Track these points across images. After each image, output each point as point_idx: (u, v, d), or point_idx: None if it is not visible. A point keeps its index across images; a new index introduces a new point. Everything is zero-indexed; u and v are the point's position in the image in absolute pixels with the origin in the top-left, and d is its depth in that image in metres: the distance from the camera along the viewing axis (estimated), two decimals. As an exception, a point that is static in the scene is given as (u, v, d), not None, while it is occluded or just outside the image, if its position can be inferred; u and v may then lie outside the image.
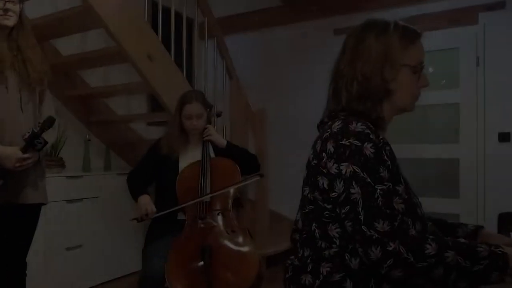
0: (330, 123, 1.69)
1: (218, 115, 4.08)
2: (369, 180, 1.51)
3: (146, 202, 3.40)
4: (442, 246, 1.47)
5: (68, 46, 4.77)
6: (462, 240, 1.58)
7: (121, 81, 4.99)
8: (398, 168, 1.66)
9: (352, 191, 1.51)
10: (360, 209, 1.49)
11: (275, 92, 6.47)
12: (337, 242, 1.61)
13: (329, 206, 1.61)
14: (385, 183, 1.52)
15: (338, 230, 1.61)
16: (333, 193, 1.57)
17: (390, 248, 1.44)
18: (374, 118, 1.69)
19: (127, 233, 4.83)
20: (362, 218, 1.48)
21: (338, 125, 1.62)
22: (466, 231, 1.98)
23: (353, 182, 1.51)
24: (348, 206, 1.51)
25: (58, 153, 4.48)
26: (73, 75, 4.90)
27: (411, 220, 1.56)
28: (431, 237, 1.51)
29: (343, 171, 1.53)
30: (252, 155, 3.96)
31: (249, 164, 3.75)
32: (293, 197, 5.95)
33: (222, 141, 3.73)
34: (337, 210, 1.57)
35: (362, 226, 1.48)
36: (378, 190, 1.49)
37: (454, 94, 5.38)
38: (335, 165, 1.56)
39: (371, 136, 1.55)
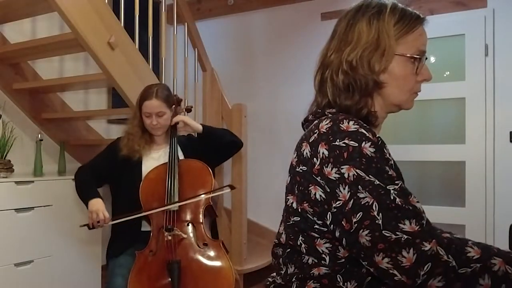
0: (316, 122, 1.66)
1: (188, 110, 4.13)
2: (377, 182, 1.45)
3: (99, 207, 3.42)
4: (485, 251, 1.42)
5: (16, 32, 4.81)
6: (507, 250, 1.49)
7: (78, 73, 5.04)
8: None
9: (361, 195, 1.44)
10: (376, 213, 1.42)
11: (253, 85, 6.58)
12: (327, 259, 1.59)
13: (319, 222, 1.59)
14: (396, 182, 1.48)
15: (327, 245, 1.60)
16: (337, 202, 1.50)
17: (427, 248, 1.36)
18: (365, 114, 1.68)
19: (85, 247, 4.84)
20: (381, 223, 1.41)
21: (327, 124, 1.58)
22: None
23: (359, 187, 1.46)
24: (361, 213, 1.44)
25: (6, 155, 4.49)
26: (22, 66, 4.90)
27: None
28: (470, 240, 1.46)
29: (346, 175, 1.48)
30: (233, 134, 4.03)
31: (232, 144, 3.86)
32: (275, 206, 6.07)
33: (197, 126, 3.78)
34: (342, 222, 1.49)
35: (383, 232, 1.40)
36: (392, 191, 1.44)
37: (459, 88, 5.36)
38: (334, 169, 1.50)
39: (367, 135, 1.51)
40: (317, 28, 5.99)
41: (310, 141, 1.61)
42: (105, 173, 3.71)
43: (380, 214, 1.41)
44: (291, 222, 1.69)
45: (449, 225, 5.13)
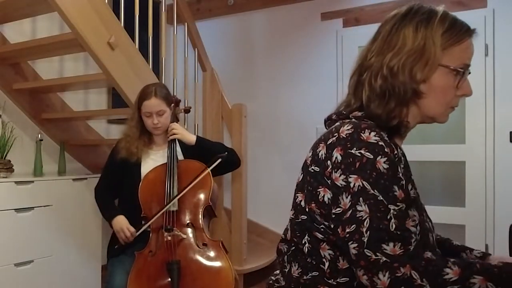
0: (337, 124, 1.64)
1: (187, 111, 4.12)
2: (381, 198, 1.45)
3: (122, 225, 3.48)
4: (466, 270, 1.41)
5: (16, 32, 4.82)
6: (493, 262, 1.48)
7: (78, 73, 5.04)
8: (413, 185, 1.66)
9: (359, 208, 1.45)
10: (364, 229, 1.43)
11: (253, 85, 6.59)
12: (326, 265, 1.60)
13: (326, 223, 1.59)
14: (398, 203, 1.46)
15: (330, 252, 1.60)
16: (337, 209, 1.52)
17: (400, 274, 1.38)
18: (396, 123, 1.65)
19: (85, 247, 4.85)
20: (365, 241, 1.42)
21: (348, 130, 1.56)
22: (471, 258, 1.95)
23: (361, 199, 1.46)
24: (355, 225, 1.46)
25: (6, 155, 4.50)
26: (22, 66, 4.90)
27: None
28: (452, 260, 1.45)
29: (351, 184, 1.48)
30: (229, 149, 3.98)
31: (228, 164, 3.76)
32: (275, 206, 6.06)
33: (190, 138, 3.77)
34: (338, 229, 1.52)
35: (365, 250, 1.42)
36: (392, 211, 1.44)
37: (459, 88, 5.32)
38: (342, 176, 1.51)
39: (385, 150, 1.50)
40: (317, 28, 5.99)
41: (328, 143, 1.60)
42: (116, 182, 3.73)
43: (368, 232, 1.43)
44: (299, 220, 1.68)
45: (449, 225, 5.16)
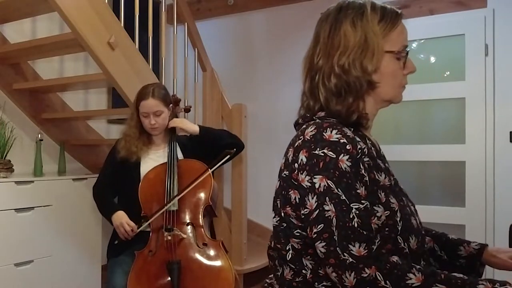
0: (303, 127, 1.69)
1: (187, 110, 4.12)
2: (344, 197, 1.49)
3: (122, 220, 3.47)
4: (429, 278, 1.44)
5: (16, 32, 4.82)
6: (459, 274, 1.50)
7: (78, 73, 5.04)
8: (387, 173, 1.69)
9: (326, 208, 1.49)
10: (334, 228, 1.46)
11: (253, 86, 6.58)
12: (308, 272, 1.63)
13: (301, 224, 1.61)
14: (362, 201, 1.50)
15: (310, 261, 1.62)
16: (305, 210, 1.55)
17: (365, 275, 1.42)
18: (355, 118, 1.69)
19: (85, 247, 4.86)
20: (336, 239, 1.45)
21: (312, 131, 1.60)
22: (469, 250, 1.97)
23: (327, 199, 1.49)
24: (322, 225, 1.48)
25: (6, 155, 4.50)
26: (22, 66, 4.91)
27: (405, 236, 1.59)
28: (417, 266, 1.48)
29: (317, 185, 1.52)
30: (233, 135, 4.01)
31: (232, 146, 3.76)
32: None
33: (193, 127, 3.77)
34: (307, 230, 1.55)
35: (337, 248, 1.45)
36: (354, 210, 1.48)
37: (459, 88, 5.34)
38: (307, 177, 1.54)
39: (347, 147, 1.54)
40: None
41: (295, 146, 1.65)
42: (114, 180, 3.73)
43: (337, 230, 1.46)
44: (283, 227, 1.70)
45: (449, 225, 5.16)
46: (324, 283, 1.60)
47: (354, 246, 1.43)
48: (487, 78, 5.22)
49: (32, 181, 4.45)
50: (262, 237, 6.12)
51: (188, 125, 3.75)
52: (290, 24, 6.29)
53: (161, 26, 5.04)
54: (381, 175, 1.66)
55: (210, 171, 3.44)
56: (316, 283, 1.61)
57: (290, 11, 6.29)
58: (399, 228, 1.61)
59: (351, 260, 1.43)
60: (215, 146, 3.72)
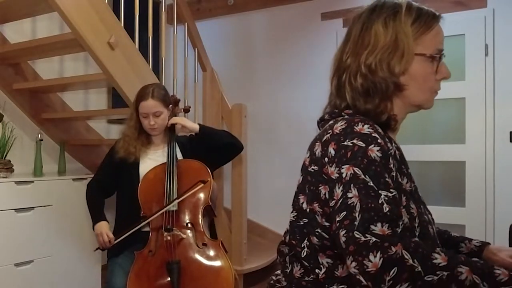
0: (331, 122, 1.65)
1: (186, 111, 4.12)
2: (371, 184, 1.42)
3: (102, 230, 3.51)
4: (453, 259, 1.37)
5: (16, 32, 4.82)
6: (475, 258, 1.45)
7: (78, 73, 5.03)
8: (409, 178, 1.66)
9: (349, 195, 1.42)
10: (357, 214, 1.38)
11: (253, 85, 6.60)
12: (322, 271, 1.60)
13: (326, 224, 1.58)
14: (391, 190, 1.43)
15: (328, 260, 1.59)
16: (332, 201, 1.49)
17: (392, 252, 1.31)
18: (385, 118, 1.66)
19: (85, 247, 4.84)
20: (356, 224, 1.36)
21: (341, 125, 1.57)
22: (470, 248, 1.96)
23: (351, 185, 1.43)
24: (344, 212, 1.41)
25: (6, 155, 4.50)
26: (22, 66, 4.90)
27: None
28: (439, 248, 1.41)
29: (344, 175, 1.46)
30: (233, 136, 4.00)
31: (231, 147, 3.83)
32: (275, 206, 6.06)
33: (193, 126, 3.76)
34: (332, 224, 1.48)
35: (355, 232, 1.35)
36: (383, 195, 1.41)
37: (459, 88, 5.35)
38: (336, 169, 1.50)
39: (379, 141, 1.50)
40: (317, 28, 5.99)
41: (322, 140, 1.61)
42: (110, 181, 3.73)
43: (360, 215, 1.37)
44: (301, 223, 1.67)
45: (449, 225, 5.13)
46: (335, 286, 1.57)
47: (376, 226, 1.34)
48: (487, 78, 5.25)
49: (32, 181, 4.45)
50: (262, 237, 6.13)
51: (188, 123, 3.74)
52: (290, 24, 6.30)
53: (161, 26, 5.04)
54: (403, 180, 1.63)
55: (210, 177, 3.46)
56: (327, 285, 1.58)
57: (290, 11, 6.30)
58: (417, 234, 1.57)
59: (374, 239, 1.32)
60: (214, 146, 3.72)
